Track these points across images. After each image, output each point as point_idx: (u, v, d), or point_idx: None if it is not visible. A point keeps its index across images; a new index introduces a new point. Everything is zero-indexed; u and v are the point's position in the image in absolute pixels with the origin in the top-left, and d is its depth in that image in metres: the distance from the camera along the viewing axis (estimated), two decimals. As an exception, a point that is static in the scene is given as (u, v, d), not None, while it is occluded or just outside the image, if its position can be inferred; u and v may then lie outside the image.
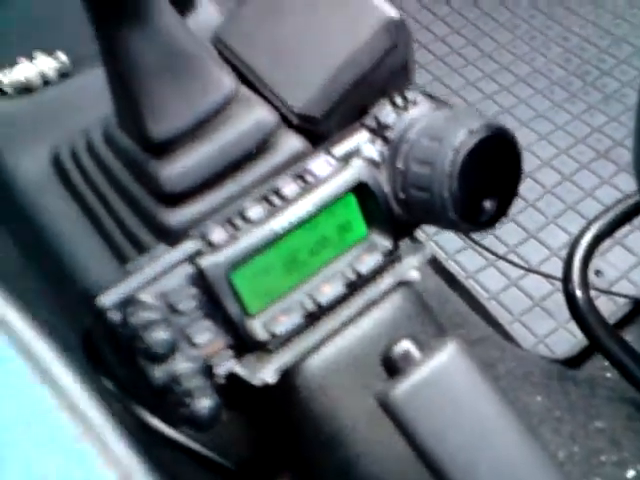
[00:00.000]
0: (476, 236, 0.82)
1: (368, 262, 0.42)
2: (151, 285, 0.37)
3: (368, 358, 0.38)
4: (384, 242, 0.43)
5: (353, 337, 0.42)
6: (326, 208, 0.42)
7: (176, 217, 0.45)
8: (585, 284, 0.50)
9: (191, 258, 0.38)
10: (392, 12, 0.50)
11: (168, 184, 0.45)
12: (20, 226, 0.57)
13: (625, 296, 0.73)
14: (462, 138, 0.39)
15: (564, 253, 0.83)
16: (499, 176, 0.42)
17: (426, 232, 0.82)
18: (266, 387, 0.41)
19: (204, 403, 0.35)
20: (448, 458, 0.30)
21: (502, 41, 1.11)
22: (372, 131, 0.44)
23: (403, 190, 0.43)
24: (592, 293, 0.76)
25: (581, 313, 0.48)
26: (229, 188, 0.47)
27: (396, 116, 0.44)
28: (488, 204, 0.41)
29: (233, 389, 0.41)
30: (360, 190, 0.43)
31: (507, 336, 0.69)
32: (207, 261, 0.37)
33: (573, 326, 0.73)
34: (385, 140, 0.44)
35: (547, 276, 0.72)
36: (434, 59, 1.08)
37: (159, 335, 0.34)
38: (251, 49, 0.52)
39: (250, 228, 0.39)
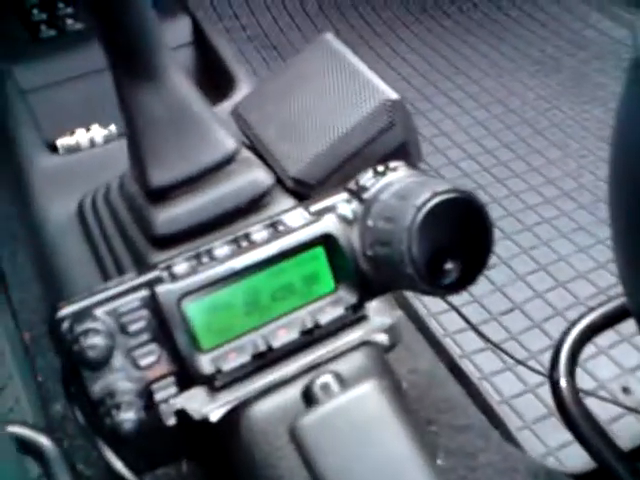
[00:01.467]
0: (497, 339, 0.79)
1: (329, 314, 0.43)
2: (107, 303, 0.39)
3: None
4: (350, 297, 0.44)
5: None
6: (293, 256, 0.43)
7: (161, 258, 0.48)
8: (571, 373, 0.47)
9: (149, 284, 0.40)
10: (391, 94, 0.53)
11: (159, 227, 0.49)
12: (41, 262, 0.62)
13: (652, 416, 0.68)
14: (425, 197, 0.41)
15: (589, 365, 0.78)
16: (465, 242, 0.42)
17: (445, 329, 0.81)
18: (211, 427, 0.41)
19: (128, 416, 0.36)
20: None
21: (552, 157, 1.13)
22: (351, 192, 0.46)
23: (370, 247, 0.43)
24: (617, 410, 0.72)
25: (564, 402, 0.46)
26: (216, 239, 0.49)
27: (374, 180, 0.46)
28: (450, 265, 0.41)
29: (182, 429, 0.41)
30: (330, 245, 0.44)
31: (513, 442, 0.64)
32: (162, 287, 0.39)
33: (589, 441, 0.67)
34: (360, 200, 0.45)
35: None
36: (480, 169, 1.11)
37: (94, 340, 0.36)
38: (262, 121, 0.57)
39: (212, 264, 0.41)
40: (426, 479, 0.29)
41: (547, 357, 0.78)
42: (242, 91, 0.72)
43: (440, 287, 0.42)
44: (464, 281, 0.43)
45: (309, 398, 0.33)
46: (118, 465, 0.49)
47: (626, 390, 0.73)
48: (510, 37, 1.41)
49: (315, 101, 0.55)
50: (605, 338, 0.80)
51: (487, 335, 0.80)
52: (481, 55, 1.38)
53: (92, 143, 0.71)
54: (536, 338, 0.80)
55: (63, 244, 0.60)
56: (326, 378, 0.33)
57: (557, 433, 0.69)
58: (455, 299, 0.84)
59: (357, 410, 0.31)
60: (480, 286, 0.87)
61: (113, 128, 0.72)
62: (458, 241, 0.42)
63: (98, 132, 0.72)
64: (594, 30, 1.36)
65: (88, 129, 0.72)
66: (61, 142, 0.70)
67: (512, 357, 0.75)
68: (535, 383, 0.75)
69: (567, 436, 0.69)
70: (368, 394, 0.31)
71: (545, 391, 0.74)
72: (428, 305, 0.83)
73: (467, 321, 0.72)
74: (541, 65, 1.33)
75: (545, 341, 0.80)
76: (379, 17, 1.51)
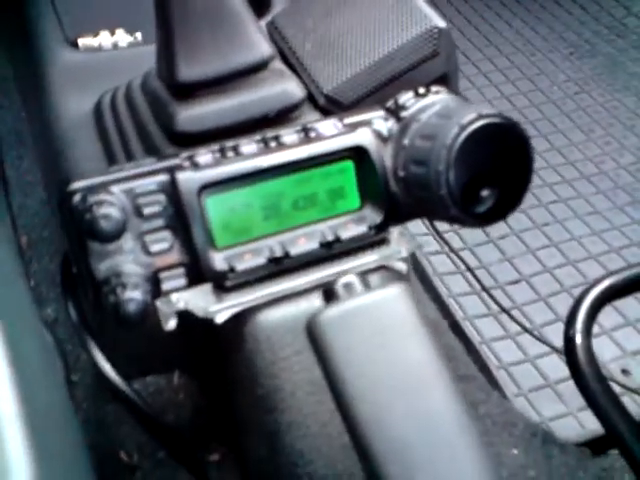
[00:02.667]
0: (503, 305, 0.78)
1: (352, 230, 0.41)
2: (123, 182, 0.37)
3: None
4: (374, 217, 0.42)
5: (319, 302, 0.39)
6: (321, 166, 0.41)
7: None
8: (588, 332, 0.46)
9: (170, 169, 0.37)
10: (439, 21, 0.51)
11: (182, 124, 0.46)
12: (49, 160, 0.60)
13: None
14: (471, 117, 0.38)
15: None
16: (504, 171, 0.40)
17: (450, 290, 0.79)
18: (213, 333, 0.39)
19: (134, 295, 0.34)
20: (360, 392, 0.27)
21: (575, 140, 1.10)
22: (389, 110, 0.44)
23: (403, 167, 0.41)
24: (616, 390, 0.70)
25: (577, 360, 0.44)
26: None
27: (414, 100, 0.43)
28: (485, 193, 0.39)
29: (180, 335, 0.39)
30: (361, 161, 0.42)
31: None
32: (183, 174, 0.37)
33: (584, 415, 0.66)
34: (398, 119, 0.43)
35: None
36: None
37: (109, 210, 0.34)
38: (298, 36, 0.54)
39: (237, 159, 0.39)
40: (446, 388, 0.27)
41: (549, 330, 0.77)
42: (277, 8, 0.68)
43: (471, 215, 0.40)
44: (496, 213, 0.41)
45: (330, 296, 0.31)
46: (107, 368, 0.47)
47: (625, 372, 0.72)
48: (547, 17, 1.38)
49: (357, 20, 0.52)
50: (609, 320, 0.78)
51: (492, 302, 0.78)
52: (515, 31, 1.35)
53: (115, 47, 0.68)
54: (540, 311, 0.79)
55: (76, 140, 0.57)
56: (350, 278, 0.32)
57: (552, 404, 0.68)
58: (462, 263, 0.82)
59: (381, 311, 0.29)
60: (489, 254, 0.85)
61: (139, 36, 0.69)
62: (497, 169, 0.40)
63: (123, 37, 0.68)
64: (636, 19, 1.33)
65: (113, 33, 0.69)
66: (83, 41, 0.67)
67: (520, 325, 0.74)
68: (535, 354, 0.73)
69: (561, 408, 0.68)
70: (394, 296, 0.29)
71: (544, 363, 0.73)
72: (435, 265, 0.82)
73: (480, 284, 0.71)
74: (575, 48, 1.30)
75: (549, 315, 0.78)
76: (416, -19, 1.47)
